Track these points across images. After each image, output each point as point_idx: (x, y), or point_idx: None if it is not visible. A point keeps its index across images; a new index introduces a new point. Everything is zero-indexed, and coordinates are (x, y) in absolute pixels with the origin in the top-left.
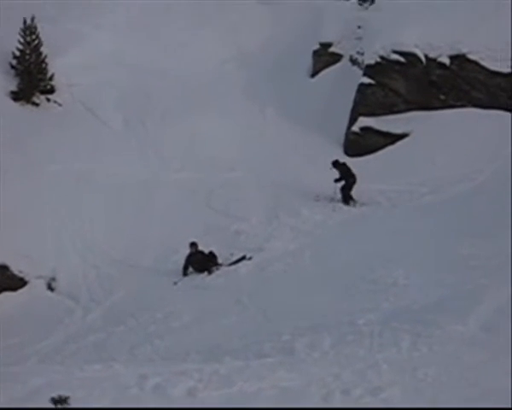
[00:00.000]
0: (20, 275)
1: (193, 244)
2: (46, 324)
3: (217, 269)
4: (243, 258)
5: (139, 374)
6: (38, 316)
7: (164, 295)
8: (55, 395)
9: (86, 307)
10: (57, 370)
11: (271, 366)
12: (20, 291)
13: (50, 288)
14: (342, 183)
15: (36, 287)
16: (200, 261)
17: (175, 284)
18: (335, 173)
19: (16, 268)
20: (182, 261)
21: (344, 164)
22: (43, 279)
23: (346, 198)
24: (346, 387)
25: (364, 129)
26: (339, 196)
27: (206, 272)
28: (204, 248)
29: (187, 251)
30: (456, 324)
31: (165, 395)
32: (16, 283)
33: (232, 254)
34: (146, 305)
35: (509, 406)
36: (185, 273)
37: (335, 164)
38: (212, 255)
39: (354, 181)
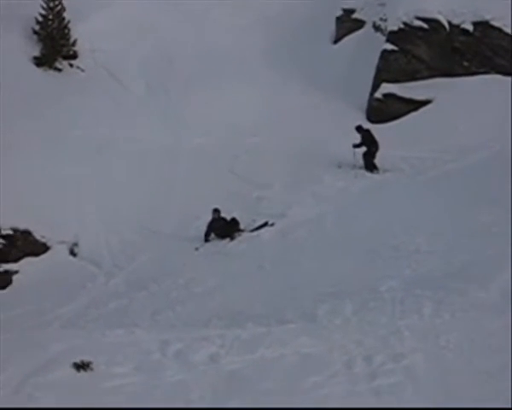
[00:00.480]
0: (43, 240)
1: (215, 210)
2: (68, 289)
3: (239, 235)
4: (265, 224)
5: (161, 340)
6: (60, 281)
7: (186, 261)
8: (77, 360)
9: (108, 272)
10: (79, 335)
11: (293, 333)
12: (43, 256)
13: (73, 253)
14: (363, 149)
15: (58, 252)
16: (223, 228)
17: (196, 249)
18: (357, 139)
19: (39, 233)
20: (204, 227)
21: (367, 130)
22: (66, 245)
23: (369, 165)
24: (368, 353)
25: (387, 95)
26: (361, 162)
27: (228, 239)
28: (226, 214)
29: (209, 217)
30: (478, 290)
31: (186, 360)
32: (39, 248)
33: (254, 221)
34: (168, 271)
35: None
36: (207, 239)
37: (359, 129)
38: (234, 222)
39: (377, 148)
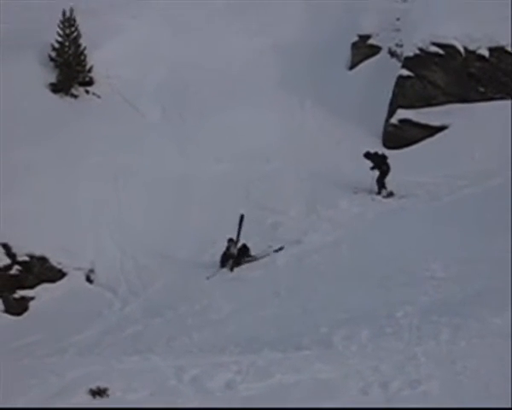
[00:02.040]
0: (59, 267)
1: (230, 240)
2: (85, 315)
3: (247, 262)
4: (281, 249)
5: (177, 366)
6: (77, 308)
7: (202, 287)
8: (93, 386)
9: (124, 298)
10: (95, 361)
11: (309, 359)
12: (59, 283)
13: (89, 280)
14: (378, 173)
15: (74, 279)
16: (236, 256)
17: (208, 279)
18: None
19: (55, 260)
20: (219, 253)
21: (376, 154)
22: (82, 271)
23: (379, 187)
24: (384, 380)
25: (403, 121)
26: (376, 187)
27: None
28: (242, 240)
29: (224, 243)
30: (495, 316)
31: (202, 386)
32: (55, 274)
33: (270, 247)
34: (184, 297)
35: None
36: (223, 265)
37: (367, 156)
38: (244, 248)
39: (388, 169)
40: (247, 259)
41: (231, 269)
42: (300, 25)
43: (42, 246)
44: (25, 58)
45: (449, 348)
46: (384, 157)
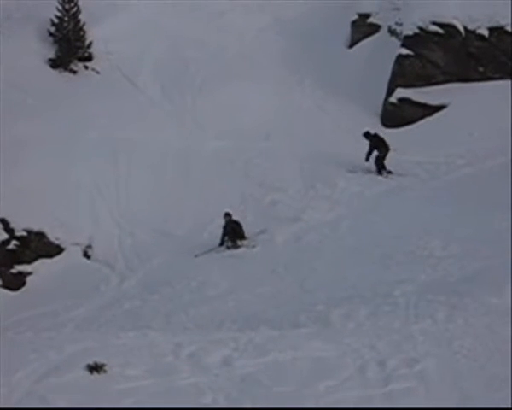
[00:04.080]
0: (57, 242)
1: (227, 214)
2: (82, 291)
3: (237, 245)
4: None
5: (174, 342)
6: (74, 283)
7: (199, 264)
8: (90, 362)
9: (122, 274)
10: (93, 337)
11: (306, 336)
12: (57, 258)
13: (86, 255)
14: (376, 153)
15: (72, 254)
16: (235, 231)
17: (196, 256)
18: (367, 144)
19: (53, 235)
20: (217, 231)
21: (376, 135)
22: (80, 246)
23: (379, 168)
24: (381, 358)
25: (402, 100)
26: (374, 167)
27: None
28: (240, 218)
29: (222, 221)
30: (492, 296)
31: (200, 363)
32: (53, 250)
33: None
34: (181, 274)
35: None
36: (222, 243)
37: (367, 135)
38: (238, 226)
39: (387, 150)
40: (233, 245)
41: (228, 247)
42: (300, 2)
43: (40, 221)
44: (24, 33)
45: (446, 326)
46: (382, 140)
